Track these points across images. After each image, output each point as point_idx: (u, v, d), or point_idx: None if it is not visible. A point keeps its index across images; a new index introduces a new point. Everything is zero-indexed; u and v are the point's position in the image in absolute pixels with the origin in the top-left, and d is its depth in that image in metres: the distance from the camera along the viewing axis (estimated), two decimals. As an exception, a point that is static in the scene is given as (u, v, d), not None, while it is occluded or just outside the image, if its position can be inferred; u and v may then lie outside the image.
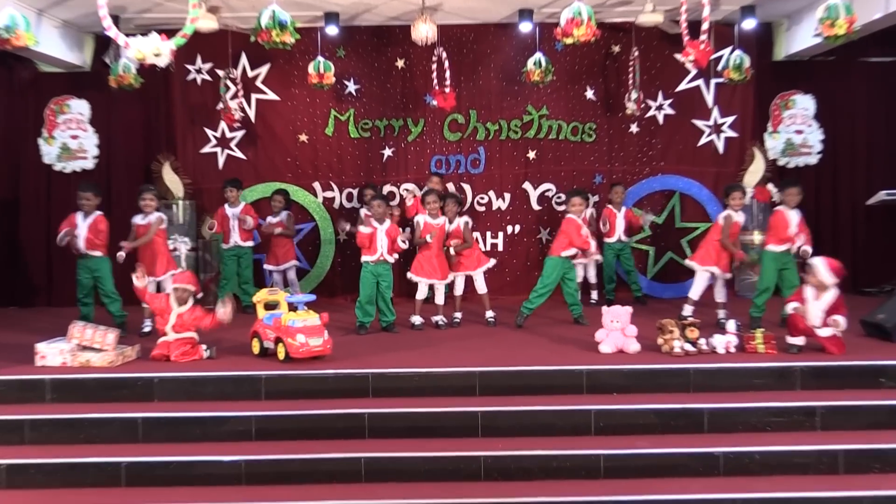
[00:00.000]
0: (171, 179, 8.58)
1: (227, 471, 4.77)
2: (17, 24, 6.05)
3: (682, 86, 8.76)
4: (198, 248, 8.55)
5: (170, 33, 5.73)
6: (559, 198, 8.78)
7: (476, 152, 8.87)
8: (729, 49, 8.02)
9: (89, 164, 8.75)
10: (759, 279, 6.83)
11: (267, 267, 8.28)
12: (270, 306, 6.21)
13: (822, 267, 5.78)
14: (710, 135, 8.82)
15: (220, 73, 8.45)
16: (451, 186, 8.70)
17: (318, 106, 8.77)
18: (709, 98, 8.77)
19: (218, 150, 8.79)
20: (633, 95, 8.33)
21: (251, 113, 8.71)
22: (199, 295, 6.17)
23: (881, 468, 4.79)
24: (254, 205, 8.69)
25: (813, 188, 8.90)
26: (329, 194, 8.84)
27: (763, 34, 8.63)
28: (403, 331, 6.90)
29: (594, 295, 8.30)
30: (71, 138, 8.72)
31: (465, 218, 7.33)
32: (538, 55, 7.83)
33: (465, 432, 5.02)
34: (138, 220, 7.06)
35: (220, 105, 8.37)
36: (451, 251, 7.16)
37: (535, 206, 8.86)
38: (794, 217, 6.71)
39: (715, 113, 8.78)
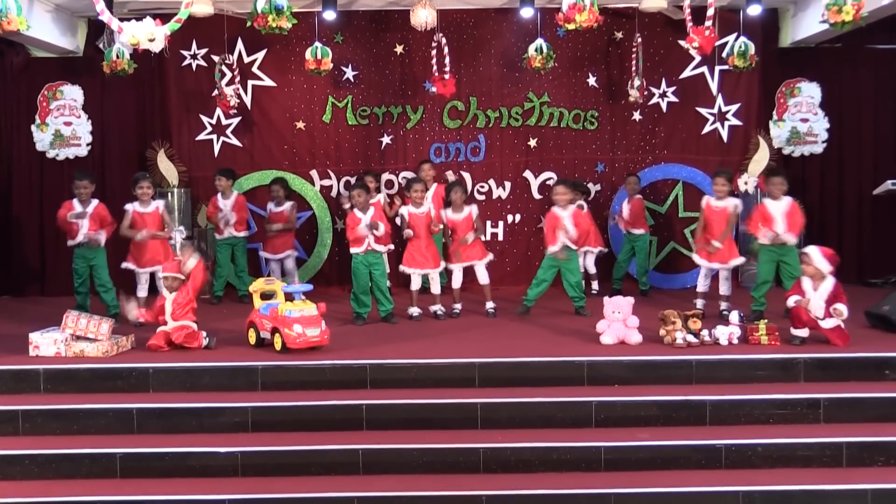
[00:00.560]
0: (166, 167, 8.49)
1: (223, 462, 4.74)
2: (9, 7, 5.92)
3: (686, 73, 8.66)
4: (193, 237, 8.48)
5: (164, 18, 5.66)
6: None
7: (476, 140, 8.77)
8: (734, 35, 7.91)
9: (83, 151, 8.65)
10: (757, 272, 6.76)
11: (263, 255, 8.22)
12: (267, 296, 6.15)
13: (817, 255, 5.71)
14: (714, 123, 8.72)
15: (216, 58, 8.34)
16: (450, 175, 8.62)
17: (316, 92, 8.67)
18: (713, 85, 8.66)
19: (213, 137, 8.69)
20: (636, 83, 8.23)
21: (247, 99, 8.61)
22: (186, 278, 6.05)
23: (885, 461, 4.77)
24: (250, 193, 8.64)
25: (818, 177, 8.85)
26: (326, 182, 8.75)
27: (769, 20, 8.52)
28: (402, 321, 6.84)
29: (595, 285, 8.23)
30: (64, 125, 8.61)
31: (474, 206, 7.24)
32: (539, 41, 7.72)
33: (465, 424, 4.98)
34: (138, 208, 6.95)
35: (216, 91, 8.27)
36: (469, 240, 7.04)
37: (536, 195, 8.77)
38: (777, 208, 6.59)
39: (719, 100, 8.68)
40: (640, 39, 8.24)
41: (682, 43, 6.87)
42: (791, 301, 5.73)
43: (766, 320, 5.88)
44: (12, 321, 6.99)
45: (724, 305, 6.78)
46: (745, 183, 8.50)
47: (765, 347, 5.62)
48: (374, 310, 6.88)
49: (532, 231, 8.80)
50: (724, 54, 7.88)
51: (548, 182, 8.77)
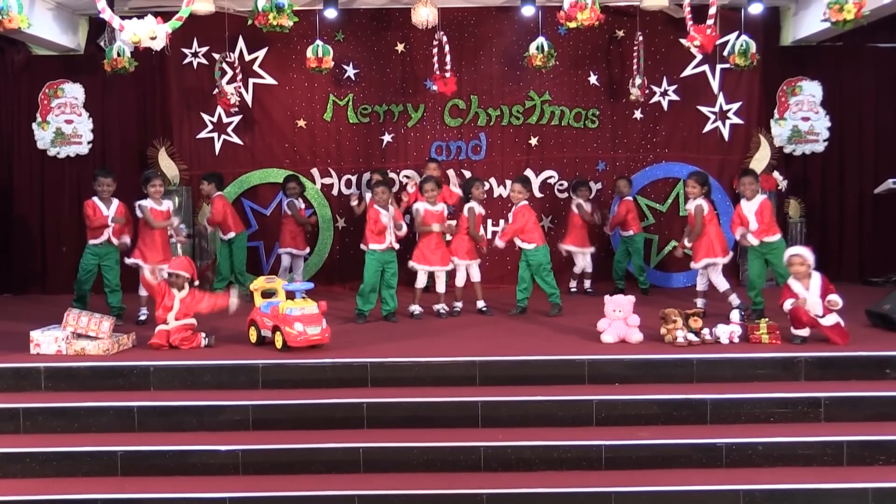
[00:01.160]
0: (167, 165, 8.48)
1: (223, 460, 4.74)
2: (10, 5, 5.93)
3: (687, 71, 8.65)
4: (194, 235, 8.47)
5: (165, 16, 5.66)
6: (562, 185, 8.70)
7: (477, 138, 8.77)
8: (735, 34, 7.90)
9: (84, 149, 8.64)
10: (748, 275, 6.76)
11: (289, 251, 8.14)
12: (268, 294, 6.14)
13: (807, 253, 5.75)
14: (715, 121, 8.71)
15: (216, 56, 8.34)
16: (451, 173, 8.61)
17: (317, 91, 8.67)
18: (714, 84, 8.66)
19: (214, 135, 8.68)
20: (637, 81, 8.22)
21: (248, 98, 8.60)
22: (196, 282, 6.09)
23: (886, 460, 4.76)
24: (251, 191, 8.64)
25: (819, 176, 8.84)
26: (327, 181, 8.75)
27: (770, 19, 8.51)
28: (403, 320, 6.84)
29: (587, 284, 8.22)
30: (65, 123, 8.60)
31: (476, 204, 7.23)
32: (540, 39, 7.71)
33: (465, 422, 4.98)
34: (154, 205, 6.94)
35: (216, 90, 8.26)
36: (435, 228, 7.03)
37: (538, 194, 8.76)
38: (750, 208, 6.56)
39: (720, 99, 8.67)
40: (641, 38, 8.22)
41: (683, 41, 6.86)
42: (787, 305, 5.73)
43: (766, 319, 5.88)
44: (13, 319, 7.00)
45: (732, 301, 6.72)
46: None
47: (765, 346, 5.62)
48: (375, 308, 6.87)
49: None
50: (725, 53, 7.87)
51: (549, 181, 8.78)
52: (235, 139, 8.70)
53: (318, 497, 4.48)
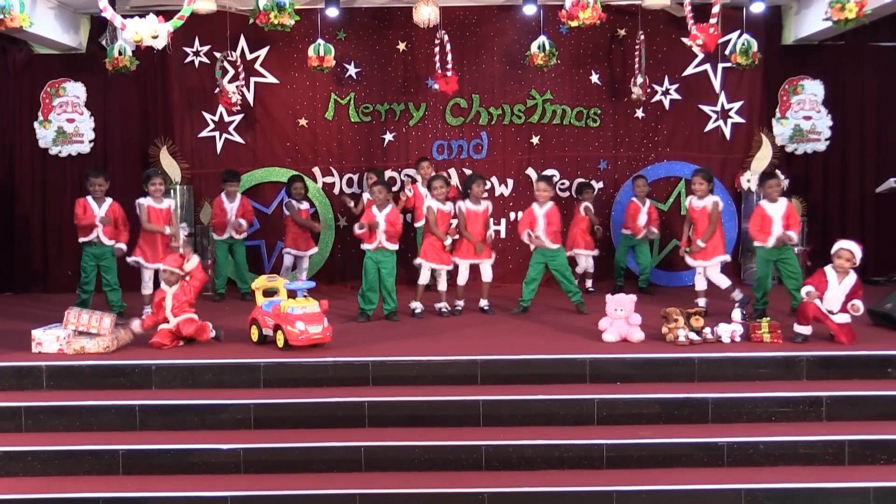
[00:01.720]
0: (169, 164, 8.49)
1: (225, 459, 4.74)
2: (12, 4, 5.93)
3: (689, 70, 8.64)
4: (195, 234, 8.48)
5: (167, 15, 5.65)
6: (563, 184, 8.70)
7: (479, 137, 8.76)
8: (737, 33, 7.89)
9: (85, 148, 8.65)
10: (756, 271, 6.74)
11: (291, 251, 8.15)
12: (269, 293, 6.14)
13: (857, 249, 5.72)
14: (716, 120, 8.70)
15: (218, 55, 8.34)
16: (452, 172, 8.61)
17: (318, 90, 8.67)
18: (716, 83, 8.65)
19: (216, 134, 8.69)
20: (639, 80, 8.22)
21: (250, 96, 8.60)
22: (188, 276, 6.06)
23: (887, 459, 4.76)
24: (252, 190, 8.64)
25: (821, 175, 8.84)
26: (329, 179, 8.75)
27: (772, 17, 8.50)
28: (404, 318, 6.84)
29: (589, 284, 8.21)
30: (66, 122, 8.61)
31: (489, 203, 7.22)
32: (542, 38, 7.70)
33: (467, 421, 4.98)
34: (153, 204, 6.94)
35: (217, 89, 8.27)
36: (490, 235, 7.09)
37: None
38: (776, 211, 6.53)
39: (722, 98, 8.66)
40: (642, 37, 8.22)
41: (684, 40, 6.85)
42: (804, 291, 5.71)
43: (768, 318, 5.87)
44: (15, 318, 7.00)
45: (735, 295, 6.70)
46: (748, 181, 8.49)
47: (767, 345, 5.61)
48: (377, 307, 6.87)
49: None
50: (726, 52, 7.86)
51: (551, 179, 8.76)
52: (237, 138, 8.70)
53: (319, 496, 4.48)
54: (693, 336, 5.68)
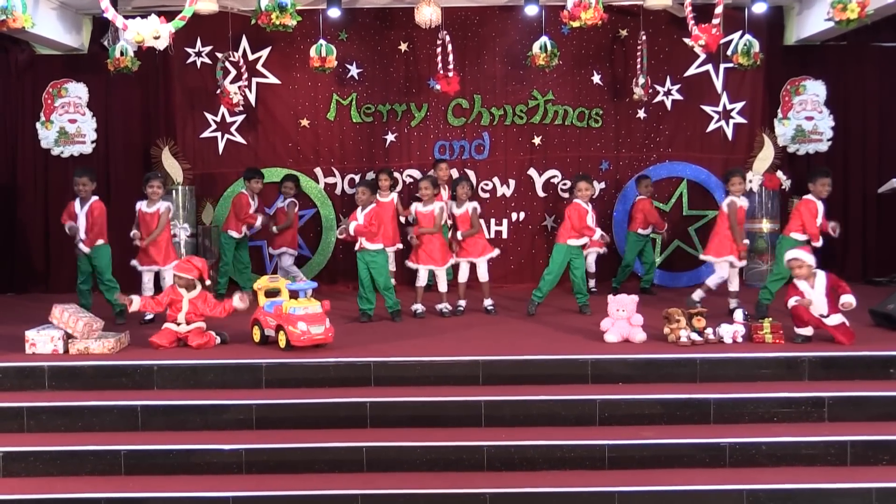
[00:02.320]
0: (171, 164, 8.49)
1: (227, 459, 4.74)
2: (14, 5, 5.94)
3: (691, 71, 8.64)
4: (197, 235, 8.48)
5: (169, 15, 5.65)
6: (565, 184, 8.69)
7: (480, 138, 8.76)
8: (738, 33, 7.88)
9: (87, 148, 8.66)
10: (774, 265, 6.73)
11: (269, 251, 8.24)
12: (271, 294, 6.15)
13: (803, 254, 5.75)
14: (718, 121, 8.70)
15: (219, 56, 8.35)
16: (454, 172, 8.61)
17: (320, 90, 8.67)
18: (718, 83, 8.65)
19: (218, 134, 8.69)
20: (641, 80, 8.21)
21: (251, 97, 8.61)
22: (208, 282, 6.09)
23: (890, 460, 4.75)
24: (254, 190, 8.66)
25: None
26: (331, 180, 8.76)
27: (774, 18, 8.49)
28: (406, 319, 6.84)
29: (592, 283, 8.22)
30: (69, 122, 8.62)
31: (474, 203, 7.22)
32: (544, 39, 7.70)
33: (468, 422, 4.97)
34: (144, 207, 6.95)
35: (219, 89, 8.27)
36: (459, 237, 7.06)
37: (541, 193, 8.76)
38: (821, 208, 6.54)
39: (724, 98, 8.66)
40: (644, 37, 8.21)
41: (686, 41, 6.85)
42: (791, 302, 5.72)
43: (770, 318, 5.87)
44: (17, 318, 7.00)
45: (733, 303, 6.75)
46: (750, 181, 8.48)
47: (769, 346, 5.61)
48: (379, 307, 6.87)
49: (537, 229, 8.79)
50: (728, 52, 7.86)
51: (552, 180, 8.77)
52: (239, 138, 8.71)
53: (321, 496, 4.48)
54: (695, 336, 5.67)
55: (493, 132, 8.75)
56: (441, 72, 8.08)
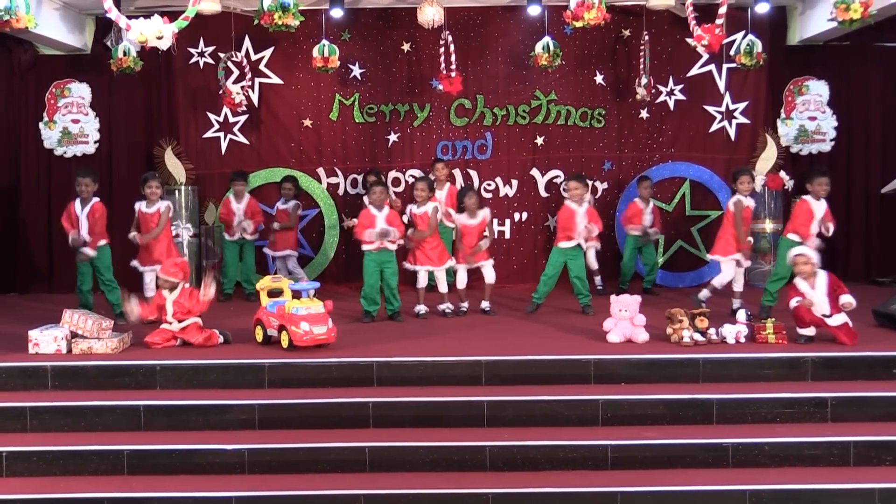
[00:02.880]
0: (174, 165, 8.51)
1: (229, 459, 4.74)
2: (17, 5, 5.95)
3: (694, 71, 8.63)
4: (200, 235, 8.49)
5: (172, 16, 5.66)
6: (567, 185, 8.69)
7: (483, 138, 8.76)
8: (741, 33, 7.88)
9: (90, 148, 8.67)
10: (775, 266, 6.73)
11: (267, 252, 8.24)
12: (274, 294, 6.15)
13: (810, 252, 5.74)
14: (721, 121, 8.69)
15: (222, 56, 8.36)
16: (457, 172, 8.62)
17: (323, 90, 8.67)
18: (720, 83, 8.64)
19: (221, 134, 8.70)
20: (644, 80, 8.21)
21: (254, 97, 8.61)
22: (187, 283, 6.08)
23: (893, 460, 4.75)
24: (257, 191, 8.66)
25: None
26: (333, 180, 8.76)
27: (777, 18, 8.48)
28: (408, 319, 6.84)
29: (598, 280, 8.21)
30: (72, 122, 8.63)
31: (486, 210, 7.17)
32: (547, 39, 7.70)
33: (471, 422, 4.97)
34: (143, 208, 6.95)
35: (221, 90, 8.28)
36: (483, 247, 7.02)
37: (543, 193, 8.76)
38: (819, 208, 6.52)
39: (727, 98, 8.65)
40: (647, 37, 8.21)
41: (689, 41, 6.85)
42: (792, 303, 5.71)
43: (773, 319, 5.86)
44: (19, 318, 7.01)
45: (737, 303, 6.75)
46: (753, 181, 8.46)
47: (772, 346, 5.60)
48: (380, 308, 6.87)
49: (539, 229, 8.79)
50: (731, 52, 7.85)
51: (555, 180, 8.77)
52: (241, 139, 8.72)
53: (323, 496, 4.48)
54: (698, 337, 5.67)
55: (496, 132, 8.75)
56: (444, 72, 8.08)
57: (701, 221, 8.74)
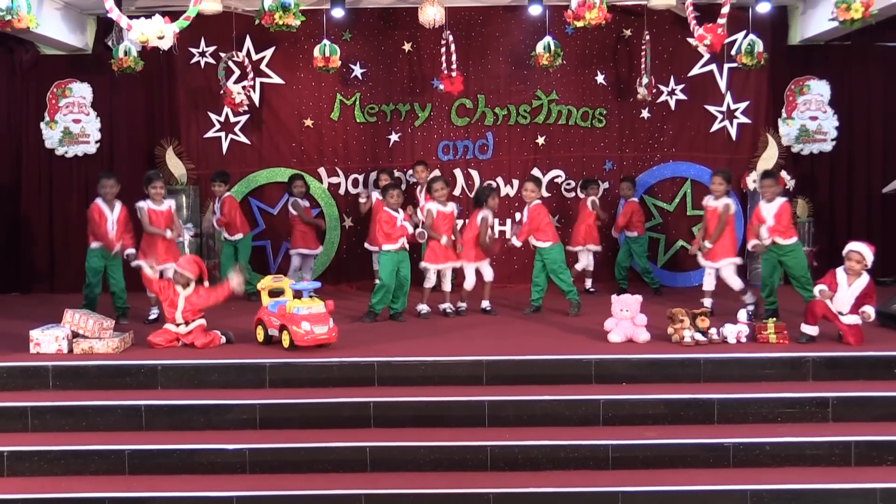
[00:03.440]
0: (175, 164, 8.51)
1: (230, 459, 4.75)
2: (19, 5, 5.96)
3: (695, 70, 8.63)
4: (201, 235, 8.49)
5: (173, 16, 5.66)
6: (568, 184, 8.70)
7: (484, 138, 8.76)
8: (742, 33, 7.87)
9: (91, 148, 8.67)
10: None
11: (300, 251, 8.16)
12: (275, 293, 6.15)
13: (867, 251, 5.71)
14: (722, 121, 8.69)
15: (223, 55, 8.36)
16: (458, 172, 8.61)
17: (324, 90, 8.68)
18: (722, 83, 8.63)
19: (222, 134, 8.70)
20: (645, 80, 8.21)
21: (255, 97, 8.61)
22: (206, 281, 6.11)
23: (894, 460, 4.75)
24: (258, 190, 8.67)
25: (827, 175, 8.81)
26: (334, 180, 8.76)
27: (778, 18, 8.48)
28: (409, 319, 6.84)
29: (588, 283, 8.21)
30: (73, 122, 8.63)
31: (489, 211, 7.16)
32: (548, 39, 7.69)
33: (472, 422, 4.98)
34: (153, 206, 6.94)
35: (221, 90, 8.29)
36: (492, 237, 7.09)
37: (545, 193, 8.74)
38: (769, 210, 6.49)
39: (728, 98, 8.64)
40: (648, 37, 8.21)
41: (690, 41, 6.85)
42: (817, 290, 5.70)
43: (774, 318, 5.85)
44: (21, 318, 7.01)
45: (746, 298, 6.71)
46: (754, 181, 8.46)
47: (773, 346, 5.60)
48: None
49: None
50: (732, 52, 7.85)
51: (556, 180, 8.77)
52: (243, 138, 8.72)
53: (324, 496, 4.49)
54: (699, 336, 5.66)
55: (497, 132, 8.75)
56: (445, 72, 8.08)
57: (701, 221, 8.70)
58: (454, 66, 8.02)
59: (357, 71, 8.65)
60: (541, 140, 8.72)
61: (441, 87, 8.22)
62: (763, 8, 7.81)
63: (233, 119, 8.66)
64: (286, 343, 5.69)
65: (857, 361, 5.39)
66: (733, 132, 8.69)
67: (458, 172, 8.62)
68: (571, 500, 4.49)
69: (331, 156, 8.76)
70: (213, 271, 8.24)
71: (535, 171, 8.73)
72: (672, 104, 8.68)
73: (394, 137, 8.73)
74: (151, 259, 6.50)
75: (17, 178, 8.74)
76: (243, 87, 8.33)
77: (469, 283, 7.13)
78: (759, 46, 7.67)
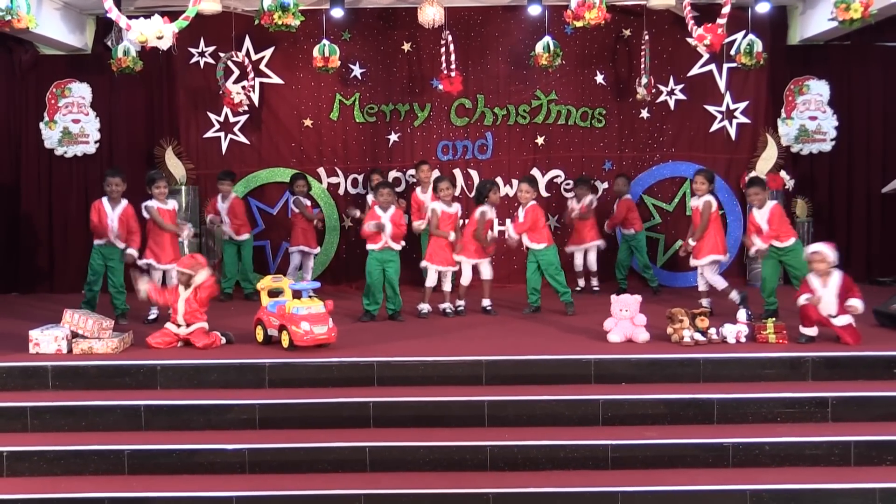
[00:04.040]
0: (174, 164, 8.51)
1: (230, 459, 4.74)
2: (18, 5, 5.96)
3: (694, 70, 8.63)
4: (201, 235, 8.49)
5: (172, 16, 5.66)
6: (568, 184, 8.70)
7: (483, 138, 8.76)
8: (742, 33, 7.88)
9: (91, 148, 8.67)
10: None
11: (301, 248, 8.15)
12: (274, 294, 6.15)
13: (827, 249, 5.71)
14: (722, 121, 8.69)
15: (223, 55, 8.36)
16: (457, 172, 8.61)
17: (323, 90, 8.68)
18: (721, 83, 8.64)
19: (221, 134, 8.71)
20: (644, 80, 8.21)
21: (255, 97, 8.61)
22: (210, 272, 6.09)
23: (893, 460, 4.75)
24: (258, 190, 8.66)
25: (827, 175, 8.81)
26: (334, 180, 8.76)
27: (777, 18, 8.48)
28: (409, 319, 6.84)
29: (595, 282, 8.21)
30: (72, 122, 8.63)
31: (492, 209, 7.18)
32: (547, 39, 7.70)
33: (472, 422, 4.98)
34: (159, 205, 6.93)
35: (220, 90, 8.28)
36: (489, 238, 7.09)
37: (544, 193, 8.76)
38: (762, 216, 6.50)
39: (727, 98, 8.65)
40: (647, 37, 8.21)
41: (690, 41, 6.85)
42: (802, 300, 5.71)
43: (773, 318, 5.85)
44: (20, 318, 7.01)
45: (733, 296, 6.72)
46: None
47: (772, 346, 5.60)
48: (381, 307, 6.87)
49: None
50: (732, 52, 7.85)
51: (555, 180, 8.77)
52: (242, 138, 8.72)
53: (324, 496, 4.49)
54: (698, 336, 5.67)
55: (497, 132, 8.75)
56: (444, 72, 8.08)
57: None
58: (453, 66, 8.03)
59: (356, 71, 8.65)
60: (540, 140, 8.72)
61: (440, 87, 8.22)
62: (762, 8, 7.82)
63: (232, 119, 8.66)
64: (286, 343, 5.68)
65: (856, 361, 5.38)
66: (733, 132, 8.70)
67: (457, 172, 8.61)
68: (571, 500, 4.49)
69: (330, 156, 8.76)
70: (213, 271, 8.24)
71: (535, 171, 8.74)
72: (671, 104, 8.68)
73: (393, 137, 8.74)
74: (165, 263, 6.56)
75: (16, 178, 8.74)
76: (243, 88, 8.33)
77: (465, 278, 7.13)
78: (759, 46, 7.67)
